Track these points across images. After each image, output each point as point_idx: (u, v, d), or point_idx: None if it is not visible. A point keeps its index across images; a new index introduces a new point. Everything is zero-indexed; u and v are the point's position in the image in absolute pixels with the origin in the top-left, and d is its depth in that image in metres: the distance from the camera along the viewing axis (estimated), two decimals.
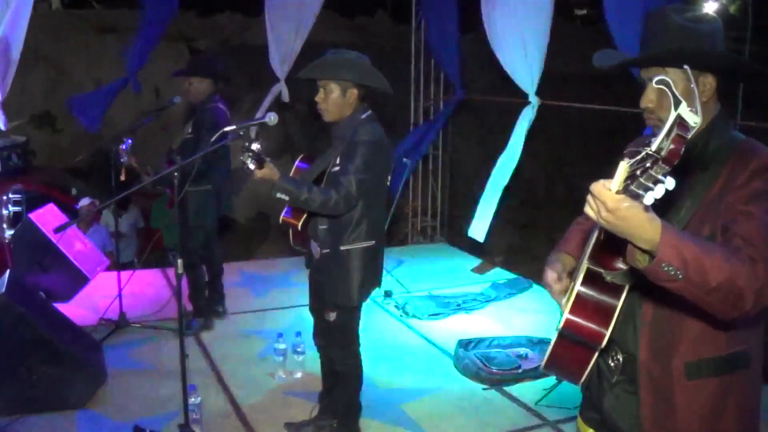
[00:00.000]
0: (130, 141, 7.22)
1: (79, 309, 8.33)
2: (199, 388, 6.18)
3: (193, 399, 5.80)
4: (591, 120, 12.41)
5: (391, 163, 5.33)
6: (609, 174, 2.18)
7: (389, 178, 5.33)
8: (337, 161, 5.11)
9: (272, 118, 4.85)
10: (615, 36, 7.23)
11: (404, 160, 11.12)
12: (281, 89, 11.07)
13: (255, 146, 4.68)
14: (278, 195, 4.83)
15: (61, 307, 7.31)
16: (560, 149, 14.06)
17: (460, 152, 13.89)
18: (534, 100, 9.09)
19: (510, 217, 10.00)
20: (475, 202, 9.96)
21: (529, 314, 8.65)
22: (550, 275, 3.09)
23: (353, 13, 18.64)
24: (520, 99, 9.32)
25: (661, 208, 2.20)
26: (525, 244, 11.49)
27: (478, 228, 9.73)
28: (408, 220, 12.91)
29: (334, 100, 5.08)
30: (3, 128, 9.03)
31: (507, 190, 9.59)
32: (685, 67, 2.66)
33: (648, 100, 2.83)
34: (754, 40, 7.74)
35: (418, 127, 12.26)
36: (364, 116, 5.14)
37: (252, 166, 4.67)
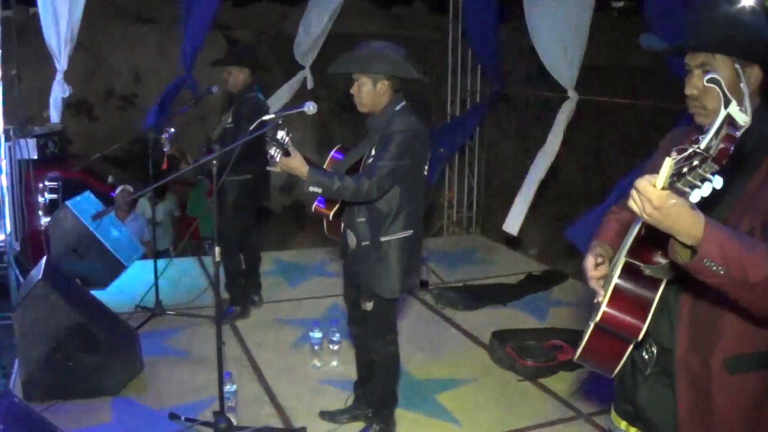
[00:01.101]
0: (173, 130, 7.24)
1: (115, 296, 8.36)
2: (234, 376, 6.19)
3: (228, 386, 5.82)
4: (628, 113, 12.36)
5: (428, 152, 5.31)
6: (648, 168, 2.16)
7: (426, 168, 5.31)
8: (372, 152, 5.12)
9: (311, 108, 4.85)
10: (653, 27, 7.18)
11: (440, 150, 11.11)
12: (306, 76, 11.06)
13: (280, 134, 4.67)
14: (311, 189, 4.83)
15: (98, 295, 7.33)
16: (597, 142, 14.00)
17: (497, 144, 13.86)
18: (573, 95, 9.05)
19: (545, 211, 9.98)
20: (511, 194, 9.94)
21: (564, 306, 8.63)
22: (590, 261, 3.09)
23: (390, 2, 18.58)
24: (558, 93, 9.29)
25: (698, 202, 2.19)
26: (560, 237, 11.45)
27: (513, 222, 9.72)
28: (444, 211, 12.88)
29: (367, 92, 5.11)
30: (66, 95, 9.11)
31: (542, 183, 9.57)
32: (735, 65, 2.65)
33: (693, 86, 2.81)
34: None
35: (454, 118, 12.23)
36: (398, 107, 5.14)
37: (277, 157, 4.68)
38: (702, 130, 2.33)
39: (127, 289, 8.65)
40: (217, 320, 5.19)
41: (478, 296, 8.82)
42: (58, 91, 9.03)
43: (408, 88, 5.25)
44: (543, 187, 9.64)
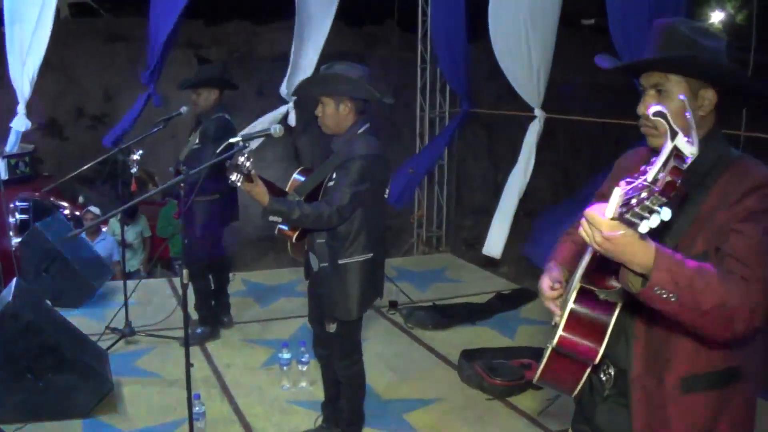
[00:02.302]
0: (140, 151, 7.25)
1: (85, 317, 8.36)
2: (203, 396, 6.21)
3: (197, 407, 5.83)
4: (597, 131, 12.46)
5: (388, 175, 5.38)
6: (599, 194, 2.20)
7: (387, 190, 5.36)
8: (333, 175, 5.15)
9: (277, 130, 4.88)
10: (618, 46, 7.25)
11: (410, 170, 11.14)
12: (289, 111, 10.88)
13: (240, 160, 4.70)
14: (271, 218, 4.89)
15: (68, 315, 7.33)
16: (567, 159, 14.09)
17: (466, 162, 13.90)
18: (539, 113, 9.10)
19: (516, 229, 10.00)
20: (481, 212, 10.00)
21: (533, 325, 8.65)
22: (545, 282, 3.14)
23: (361, 22, 18.63)
24: (525, 112, 9.34)
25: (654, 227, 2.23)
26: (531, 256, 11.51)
27: (494, 245, 9.75)
28: (413, 231, 12.90)
29: (330, 114, 5.15)
30: (27, 128, 9.08)
31: None
32: (680, 95, 2.70)
33: (645, 107, 2.85)
34: (759, 49, 7.76)
35: (426, 146, 12.24)
36: (361, 130, 5.18)
37: (239, 182, 4.71)
38: (656, 152, 2.37)
39: (97, 309, 8.65)
40: (186, 341, 5.20)
41: (447, 315, 8.84)
42: (20, 124, 8.98)
43: (377, 107, 5.29)
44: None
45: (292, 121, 10.75)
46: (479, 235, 9.95)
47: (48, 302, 7.25)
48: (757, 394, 2.94)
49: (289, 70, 10.34)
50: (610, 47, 7.27)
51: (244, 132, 5.79)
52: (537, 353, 7.20)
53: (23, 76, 8.71)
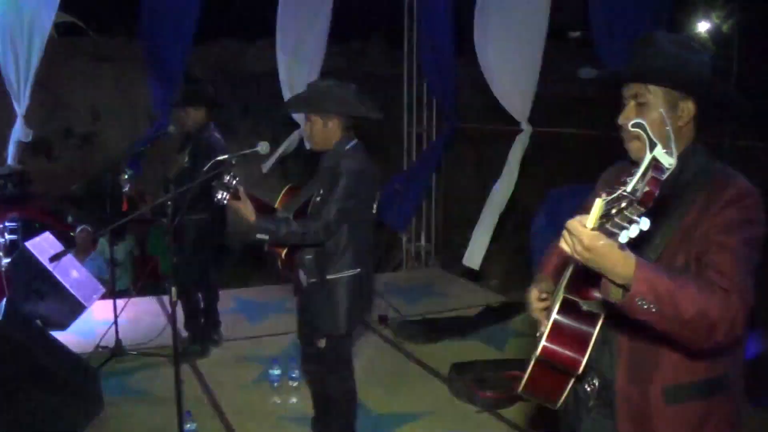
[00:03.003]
0: (131, 171, 7.27)
1: (75, 336, 8.35)
2: (194, 414, 6.21)
3: (188, 425, 5.85)
4: (586, 144, 12.47)
5: (375, 191, 5.40)
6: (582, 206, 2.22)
7: (375, 206, 5.38)
8: (321, 191, 5.18)
9: (264, 147, 4.92)
10: (603, 59, 7.28)
11: (396, 186, 11.17)
12: (302, 135, 10.73)
13: (227, 178, 4.72)
14: (258, 236, 4.91)
15: (58, 335, 7.34)
16: (556, 172, 14.08)
17: (454, 176, 13.91)
18: (526, 127, 9.12)
19: (504, 242, 10.04)
20: (469, 226, 9.99)
21: (522, 337, 8.65)
22: (533, 294, 3.17)
23: (348, 37, 18.63)
24: (512, 126, 9.37)
25: (629, 241, 2.25)
26: (520, 268, 11.49)
27: (474, 256, 9.77)
28: (402, 245, 12.92)
29: (317, 131, 5.21)
30: (29, 139, 9.12)
31: (501, 214, 9.63)
32: (660, 109, 2.74)
33: (625, 117, 2.88)
34: (741, 58, 7.80)
35: (415, 165, 12.25)
36: (349, 146, 5.22)
37: (225, 200, 4.73)
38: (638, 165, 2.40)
39: (87, 328, 8.64)
40: (176, 359, 5.21)
41: (437, 329, 8.86)
42: (20, 135, 9.02)
43: (363, 123, 5.32)
44: (502, 218, 9.69)
45: (308, 144, 10.79)
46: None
47: (38, 322, 7.26)
48: (743, 402, 2.96)
49: (283, 90, 10.37)
50: (596, 60, 7.32)
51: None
52: (527, 365, 7.22)
53: (20, 83, 8.73)
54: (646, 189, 2.08)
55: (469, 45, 9.65)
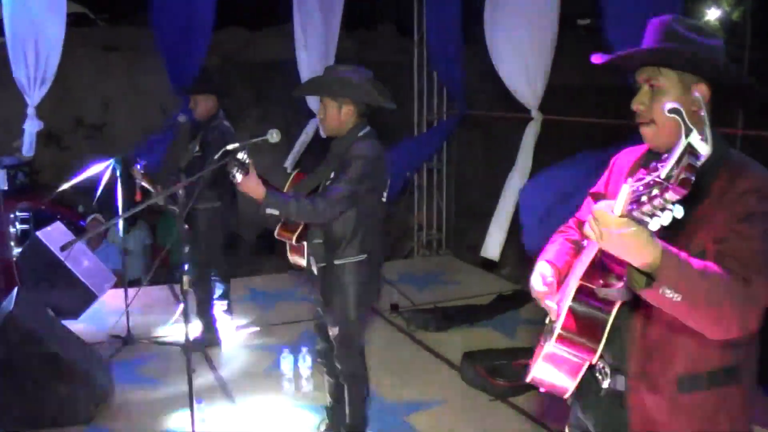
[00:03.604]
0: (143, 162, 7.27)
1: (87, 325, 8.38)
2: (206, 402, 6.22)
3: (200, 414, 5.84)
4: (597, 131, 12.45)
5: (387, 179, 5.37)
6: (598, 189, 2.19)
7: (385, 194, 5.37)
8: (331, 176, 5.18)
9: (274, 135, 4.89)
10: (614, 46, 7.25)
11: (407, 174, 11.15)
12: (318, 125, 10.72)
13: (241, 155, 4.72)
14: (268, 210, 4.89)
15: (69, 324, 7.35)
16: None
17: (465, 165, 13.90)
18: (537, 115, 9.08)
19: (516, 230, 9.97)
20: (480, 214, 9.96)
21: (533, 325, 8.62)
22: (537, 280, 3.13)
23: (358, 25, 18.61)
24: (522, 114, 9.33)
25: (665, 225, 2.21)
26: (531, 257, 11.46)
27: (491, 247, 9.73)
28: (413, 234, 12.91)
29: (331, 116, 5.18)
30: (40, 128, 9.10)
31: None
32: (693, 92, 2.70)
33: (639, 102, 2.85)
34: (754, 46, 7.77)
35: (413, 138, 12.25)
36: (362, 133, 5.21)
37: (239, 177, 4.72)
38: (653, 152, 2.37)
39: (99, 318, 8.66)
40: (187, 347, 5.21)
41: (448, 317, 8.86)
42: (33, 126, 9.00)
43: (374, 110, 5.30)
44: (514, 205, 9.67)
45: (323, 133, 10.76)
46: (479, 236, 9.90)
47: (49, 311, 7.27)
48: (755, 391, 2.95)
49: (303, 77, 10.34)
50: (606, 47, 7.28)
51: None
52: None
53: (30, 80, 8.70)
54: (683, 176, 2.03)
55: (478, 33, 9.61)
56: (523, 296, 9.59)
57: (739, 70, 2.77)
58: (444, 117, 12.28)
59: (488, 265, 10.81)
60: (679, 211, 2.06)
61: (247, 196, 4.92)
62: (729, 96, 2.88)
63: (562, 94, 11.04)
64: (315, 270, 5.38)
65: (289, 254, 5.72)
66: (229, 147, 4.89)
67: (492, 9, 9.18)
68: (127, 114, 15.28)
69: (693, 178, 2.04)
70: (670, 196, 2.04)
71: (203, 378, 7.26)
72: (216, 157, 4.99)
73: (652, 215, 2.09)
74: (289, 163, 10.95)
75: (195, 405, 5.28)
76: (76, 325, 7.88)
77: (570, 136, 12.71)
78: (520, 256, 12.01)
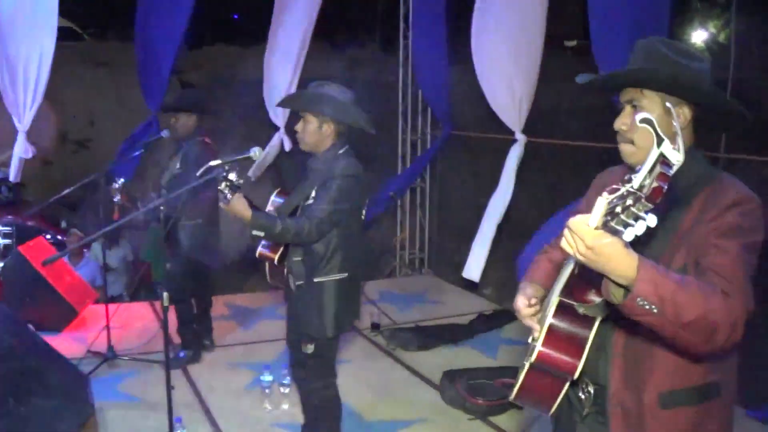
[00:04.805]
0: (122, 180, 7.27)
1: (67, 341, 8.36)
2: (185, 420, 6.23)
3: (179, 431, 5.84)
4: (583, 153, 12.50)
5: (366, 196, 5.41)
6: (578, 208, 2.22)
7: (364, 211, 5.39)
8: (312, 194, 5.19)
9: (257, 152, 4.91)
10: (601, 68, 7.28)
11: (391, 194, 11.17)
12: (282, 138, 10.92)
13: (232, 176, 4.75)
14: (254, 232, 4.92)
15: (50, 340, 7.34)
16: (552, 181, 14.08)
17: (448, 184, 13.91)
18: (521, 137, 9.10)
19: (499, 250, 10.00)
20: (463, 234, 9.98)
21: (514, 345, 8.68)
22: (521, 301, 3.16)
23: (343, 44, 18.67)
24: (507, 135, 9.35)
25: (631, 240, 2.24)
26: (514, 276, 11.46)
27: (473, 268, 9.75)
28: (396, 253, 12.92)
29: (311, 131, 5.18)
30: (29, 156, 9.09)
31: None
32: (666, 103, 2.74)
33: (621, 122, 2.89)
34: (737, 66, 7.80)
35: (408, 168, 12.28)
36: (341, 151, 5.22)
37: (228, 195, 4.75)
38: (633, 169, 2.40)
39: (79, 334, 8.65)
40: (167, 365, 5.21)
41: (429, 336, 8.86)
42: (21, 151, 9.00)
43: (358, 129, 5.31)
44: (497, 227, 9.68)
45: (287, 146, 10.74)
46: (461, 256, 9.94)
47: (30, 326, 7.26)
48: (733, 405, 2.96)
49: (264, 89, 10.36)
50: (593, 69, 7.31)
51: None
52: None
53: (20, 104, 8.71)
54: (655, 185, 2.07)
55: (464, 53, 9.64)
56: (504, 316, 9.62)
57: (722, 93, 2.79)
58: (428, 137, 12.29)
59: (470, 284, 10.83)
60: (652, 221, 2.09)
61: (232, 217, 4.95)
62: (713, 119, 2.91)
63: (547, 116, 11.08)
64: (293, 287, 5.38)
65: (268, 277, 5.72)
66: (213, 163, 4.90)
67: (478, 29, 9.21)
68: (112, 129, 15.28)
69: (665, 187, 2.09)
70: (642, 205, 2.08)
71: (183, 395, 7.23)
72: (199, 173, 5.00)
73: (626, 225, 2.13)
74: (254, 175, 10.95)
75: (174, 423, 5.28)
76: (57, 341, 7.86)
77: (554, 158, 12.75)
78: (502, 277, 12.04)
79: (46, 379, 6.17)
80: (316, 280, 5.21)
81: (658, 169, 2.10)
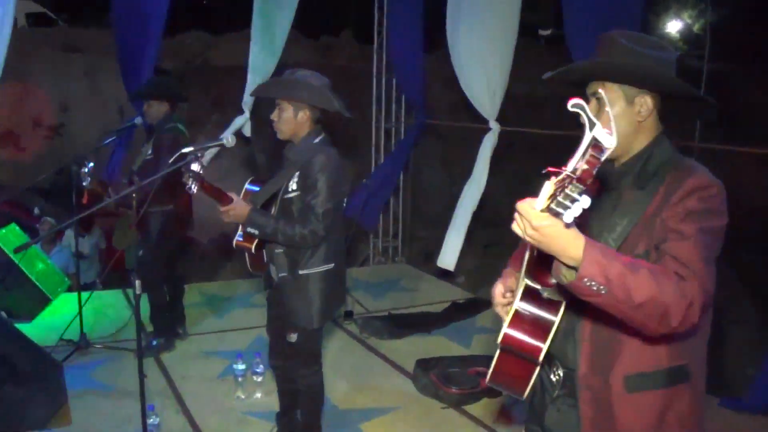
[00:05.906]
0: (91, 164, 7.21)
1: (40, 329, 8.32)
2: (158, 408, 6.21)
3: (152, 419, 5.83)
4: (558, 142, 12.57)
5: (348, 186, 5.39)
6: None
7: (345, 201, 5.37)
8: (290, 186, 5.15)
9: (230, 140, 4.90)
10: (575, 57, 7.28)
11: (365, 181, 11.15)
12: (245, 122, 10.87)
13: (195, 167, 4.72)
14: (249, 230, 4.92)
15: (23, 327, 7.31)
16: (526, 169, 14.12)
17: (422, 173, 13.94)
18: (495, 126, 9.10)
19: (473, 238, 10.03)
20: (436, 222, 10.00)
21: (488, 333, 8.69)
22: (498, 289, 3.21)
23: (318, 32, 18.63)
24: (481, 124, 9.35)
25: (597, 226, 2.30)
26: (488, 264, 11.47)
27: (447, 257, 9.76)
28: (369, 241, 12.93)
29: (286, 119, 5.14)
30: None
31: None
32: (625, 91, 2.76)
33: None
34: (713, 57, 7.83)
35: (384, 162, 12.29)
36: (317, 140, 5.18)
37: (194, 188, 4.72)
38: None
39: (52, 321, 8.61)
40: (139, 352, 5.19)
41: (402, 325, 8.87)
42: None
43: (332, 116, 5.29)
44: (471, 215, 9.69)
45: (247, 131, 10.67)
46: (435, 245, 9.96)
47: (3, 314, 7.23)
48: (704, 391, 2.99)
49: (249, 78, 10.28)
50: (568, 60, 7.32)
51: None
52: (492, 361, 7.25)
53: None
54: (585, 167, 2.10)
55: (439, 41, 9.64)
56: (478, 305, 9.63)
57: (681, 82, 2.80)
58: (402, 125, 12.28)
59: (444, 273, 10.85)
60: (585, 202, 2.12)
61: (229, 221, 4.96)
62: (680, 107, 2.93)
63: (522, 104, 11.11)
64: (276, 278, 5.37)
65: (248, 265, 5.69)
66: (185, 150, 4.88)
67: (454, 16, 9.22)
68: (85, 116, 15.21)
69: (595, 170, 2.11)
70: (575, 187, 2.11)
71: (155, 383, 7.21)
72: (171, 160, 4.97)
73: (564, 208, 2.15)
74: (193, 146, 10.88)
75: (147, 410, 5.26)
76: (29, 329, 7.82)
77: (528, 147, 12.79)
78: (476, 265, 12.06)
79: (18, 366, 6.15)
80: (301, 272, 5.20)
81: (590, 152, 2.12)
